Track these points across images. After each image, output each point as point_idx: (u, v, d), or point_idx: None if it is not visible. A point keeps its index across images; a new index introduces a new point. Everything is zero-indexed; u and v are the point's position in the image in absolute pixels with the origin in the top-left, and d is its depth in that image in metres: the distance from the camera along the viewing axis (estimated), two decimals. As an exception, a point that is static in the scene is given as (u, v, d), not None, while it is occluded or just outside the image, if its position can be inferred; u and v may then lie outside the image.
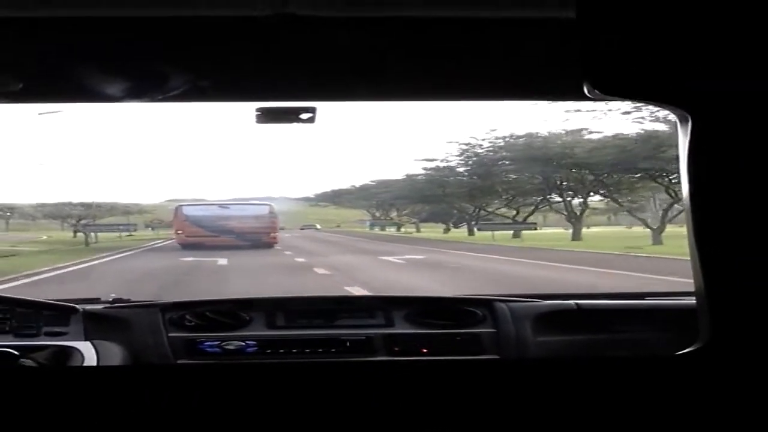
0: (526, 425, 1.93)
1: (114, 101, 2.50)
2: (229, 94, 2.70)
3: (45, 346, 3.72)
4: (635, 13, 1.64)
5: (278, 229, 26.31)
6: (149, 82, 2.45)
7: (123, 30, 2.29)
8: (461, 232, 30.15)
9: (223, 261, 21.12)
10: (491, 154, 26.53)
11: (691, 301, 4.21)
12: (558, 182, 26.18)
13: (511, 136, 26.11)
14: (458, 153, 26.83)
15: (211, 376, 2.09)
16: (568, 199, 26.36)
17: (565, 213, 26.51)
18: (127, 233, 29.18)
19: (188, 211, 26.63)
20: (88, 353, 3.68)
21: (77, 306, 3.95)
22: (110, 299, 4.14)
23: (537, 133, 25.69)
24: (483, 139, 26.38)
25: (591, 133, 24.79)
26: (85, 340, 3.78)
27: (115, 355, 3.73)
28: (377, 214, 33.71)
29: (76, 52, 2.34)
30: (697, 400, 1.90)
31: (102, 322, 3.90)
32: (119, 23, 2.29)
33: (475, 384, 1.99)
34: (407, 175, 29.62)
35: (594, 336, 4.01)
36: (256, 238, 25.17)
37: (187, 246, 24.66)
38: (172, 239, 26.74)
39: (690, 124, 1.74)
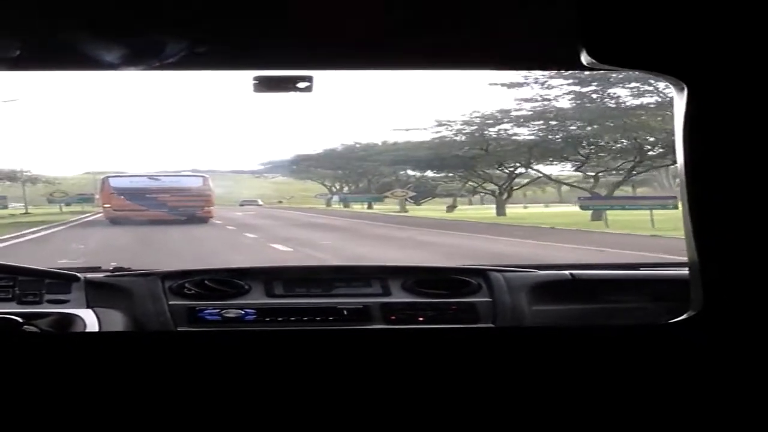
0: (522, 392, 1.96)
1: (110, 68, 2.49)
2: (227, 62, 2.71)
3: (47, 314, 3.76)
4: None
5: (213, 202, 24.36)
6: (148, 49, 2.45)
7: None
8: (474, 210, 27.00)
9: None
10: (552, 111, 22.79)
11: (684, 271, 4.27)
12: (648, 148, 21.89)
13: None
14: (498, 110, 23.28)
15: (211, 343, 2.12)
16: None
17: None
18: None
19: (115, 182, 24.24)
20: (90, 320, 3.73)
21: (78, 274, 3.99)
22: (111, 267, 4.18)
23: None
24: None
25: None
26: (87, 307, 3.84)
27: (117, 322, 3.78)
28: (345, 188, 31.00)
29: (72, 16, 2.35)
30: (688, 366, 1.93)
31: (103, 290, 3.95)
32: None
33: (472, 352, 2.01)
34: (395, 141, 26.51)
35: (588, 306, 4.05)
36: (190, 211, 23.50)
37: (116, 221, 22.90)
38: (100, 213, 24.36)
39: (686, 93, 1.75)
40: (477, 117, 23.94)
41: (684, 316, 1.94)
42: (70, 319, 3.73)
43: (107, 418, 1.94)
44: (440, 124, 23.96)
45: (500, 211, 23.97)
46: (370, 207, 29.71)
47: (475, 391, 1.96)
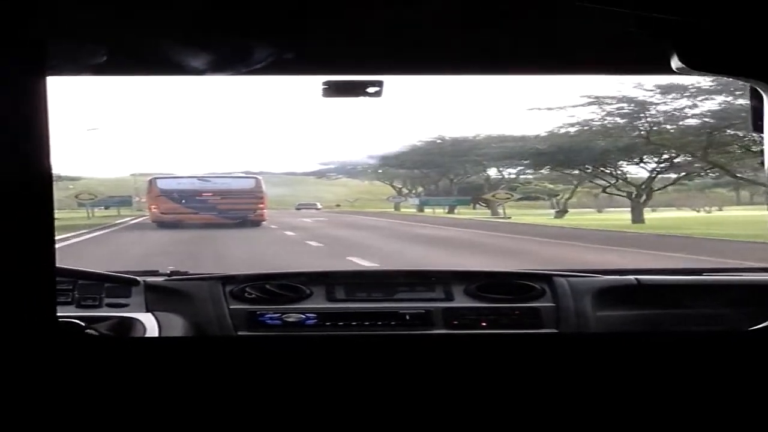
0: (586, 399, 1.92)
1: (193, 74, 2.52)
2: (300, 67, 2.70)
3: (108, 317, 3.77)
4: None
5: (266, 204, 23.33)
6: (228, 56, 2.48)
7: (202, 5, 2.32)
8: (590, 215, 24.05)
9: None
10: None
11: (753, 277, 4.16)
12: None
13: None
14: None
15: (271, 348, 2.11)
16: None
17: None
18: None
19: (163, 184, 23.30)
20: (150, 324, 3.72)
21: (138, 278, 4.00)
22: (168, 272, 4.18)
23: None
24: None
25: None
26: (147, 311, 3.83)
27: (177, 326, 3.77)
28: (418, 189, 27.90)
29: (153, 25, 2.38)
30: (759, 375, 1.88)
31: (163, 294, 3.94)
32: None
33: (535, 357, 1.98)
34: (501, 134, 23.06)
35: (655, 311, 3.98)
36: (241, 214, 22.49)
37: (163, 224, 21.87)
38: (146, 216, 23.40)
39: None
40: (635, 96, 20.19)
41: (765, 324, 1.89)
42: (130, 323, 3.73)
43: (168, 421, 1.93)
44: (592, 101, 20.46)
45: (637, 216, 21.19)
46: (451, 211, 26.74)
47: (538, 397, 1.92)
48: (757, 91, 1.79)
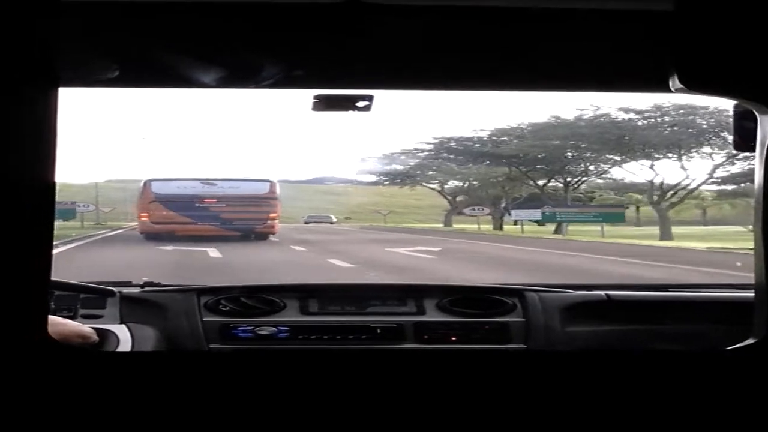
0: (552, 416, 1.94)
1: (191, 86, 2.58)
2: (293, 81, 2.74)
3: None
4: (733, 8, 1.66)
5: (279, 213, 20.21)
6: (215, 70, 2.53)
7: (205, 16, 2.38)
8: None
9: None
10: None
11: (727, 294, 4.16)
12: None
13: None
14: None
15: (243, 362, 2.12)
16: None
17: None
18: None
19: (159, 187, 20.12)
20: (124, 336, 3.73)
21: (114, 289, 4.01)
22: (141, 283, 4.19)
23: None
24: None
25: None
26: (121, 323, 3.84)
27: (150, 338, 3.78)
28: (500, 198, 21.02)
29: (161, 37, 2.45)
30: (747, 397, 1.87)
31: (138, 306, 3.95)
32: (198, 8, 2.37)
33: (501, 373, 2.00)
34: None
35: (625, 327, 4.01)
36: (248, 225, 19.56)
37: (152, 236, 18.92)
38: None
39: None
40: None
41: (745, 343, 1.89)
42: (104, 334, 3.73)
43: None
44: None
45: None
46: (558, 231, 20.42)
47: (506, 414, 1.94)
48: (751, 112, 1.82)
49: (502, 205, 21.89)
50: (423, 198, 23.64)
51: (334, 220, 25.40)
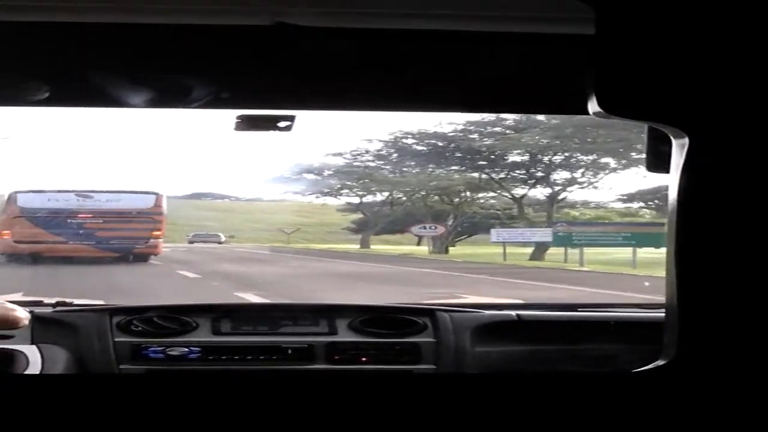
0: None
1: (118, 106, 2.62)
2: (220, 102, 2.75)
3: None
4: (652, 35, 1.71)
5: (164, 231, 18.14)
6: (151, 90, 2.56)
7: (131, 37, 2.41)
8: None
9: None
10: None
11: (634, 314, 4.23)
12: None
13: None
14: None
15: (152, 384, 2.11)
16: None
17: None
18: None
19: (26, 200, 17.56)
20: (33, 357, 3.68)
21: (26, 309, 3.95)
22: (53, 302, 4.14)
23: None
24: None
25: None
26: (32, 343, 3.79)
27: (60, 359, 3.74)
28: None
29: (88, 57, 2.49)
30: (656, 419, 1.90)
31: (50, 326, 3.89)
32: (124, 30, 2.39)
33: (408, 395, 2.02)
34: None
35: (535, 347, 4.07)
36: (127, 245, 17.40)
37: (13, 258, 16.67)
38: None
39: (687, 143, 1.80)
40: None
41: (655, 364, 1.91)
42: (13, 355, 3.68)
43: None
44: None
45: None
46: (536, 257, 17.01)
47: None
48: (666, 135, 1.86)
49: (449, 223, 19.77)
50: (332, 214, 21.94)
51: (223, 239, 23.62)
